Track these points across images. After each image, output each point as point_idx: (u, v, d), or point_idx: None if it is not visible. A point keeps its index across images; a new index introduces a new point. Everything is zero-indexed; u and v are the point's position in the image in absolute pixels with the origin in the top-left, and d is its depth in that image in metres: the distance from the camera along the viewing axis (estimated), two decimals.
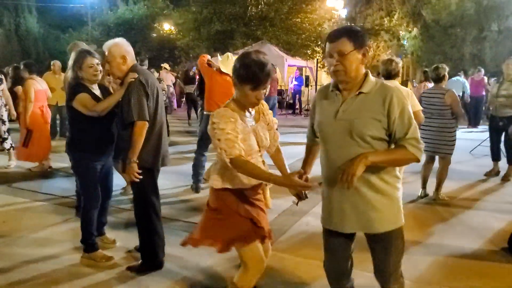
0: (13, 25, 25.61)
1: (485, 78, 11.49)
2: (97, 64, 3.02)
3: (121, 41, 2.92)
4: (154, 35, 22.09)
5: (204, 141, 4.97)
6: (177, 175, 5.54)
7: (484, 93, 11.16)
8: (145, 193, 2.94)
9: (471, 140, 8.56)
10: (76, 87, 3.00)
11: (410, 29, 20.53)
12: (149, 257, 3.00)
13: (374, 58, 21.53)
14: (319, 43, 17.39)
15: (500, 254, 3.36)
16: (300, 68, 16.06)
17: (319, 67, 17.31)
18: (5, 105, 6.16)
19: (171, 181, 5.28)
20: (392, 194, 1.91)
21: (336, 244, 2.04)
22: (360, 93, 1.84)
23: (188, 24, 17.87)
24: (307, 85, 13.86)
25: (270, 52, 13.79)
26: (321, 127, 1.95)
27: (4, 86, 6.29)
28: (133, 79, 2.79)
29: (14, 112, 6.42)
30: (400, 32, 20.79)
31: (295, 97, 14.47)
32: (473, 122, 11.44)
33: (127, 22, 21.52)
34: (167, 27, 23.04)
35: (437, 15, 17.06)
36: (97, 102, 2.98)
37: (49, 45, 23.90)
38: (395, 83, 3.83)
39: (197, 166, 5.01)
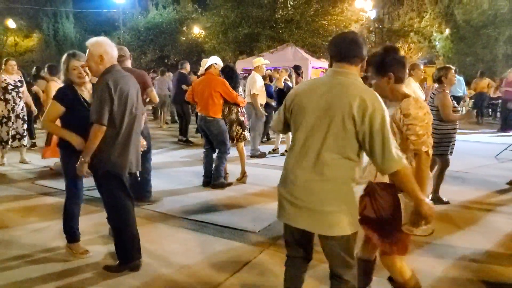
0: (52, 30, 26.97)
1: None
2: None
3: (103, 40, 2.92)
4: (183, 38, 22.59)
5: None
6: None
7: None
8: (114, 197, 2.98)
9: (498, 144, 8.27)
10: (60, 90, 3.15)
11: (441, 30, 20.00)
12: (124, 259, 3.04)
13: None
14: None
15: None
16: (326, 70, 15.92)
17: None
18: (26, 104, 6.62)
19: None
20: None
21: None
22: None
23: (215, 27, 18.14)
24: None
25: (295, 54, 13.84)
26: None
27: (25, 87, 6.71)
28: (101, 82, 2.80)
29: (34, 108, 6.98)
30: (433, 33, 20.28)
31: None
32: (504, 127, 10.97)
33: (157, 26, 22.13)
34: (196, 31, 23.53)
35: (468, 15, 16.57)
36: (80, 106, 3.07)
37: (84, 49, 24.53)
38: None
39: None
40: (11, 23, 26.18)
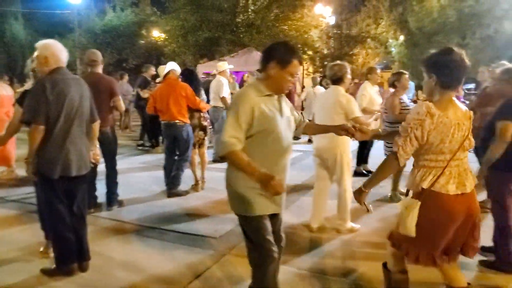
0: None
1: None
2: None
3: (51, 43, 3.00)
4: (142, 42, 22.05)
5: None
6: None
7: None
8: (46, 200, 2.98)
9: None
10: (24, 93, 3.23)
11: (396, 37, 20.83)
12: (57, 263, 3.02)
13: (363, 65, 21.75)
14: (306, 50, 17.49)
15: None
16: None
17: (306, 74, 17.48)
18: None
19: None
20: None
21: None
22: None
23: (175, 31, 17.85)
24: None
25: (255, 59, 13.88)
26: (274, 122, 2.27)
27: None
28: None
29: None
30: (389, 39, 21.07)
31: None
32: None
33: (115, 29, 21.46)
34: (155, 34, 23.05)
35: (420, 22, 17.36)
36: None
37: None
38: (338, 88, 3.89)
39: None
40: None
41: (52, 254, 3.18)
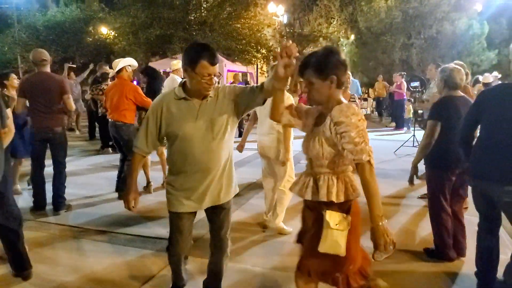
0: None
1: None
2: None
3: None
4: (90, 39, 21.05)
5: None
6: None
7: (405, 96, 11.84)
8: None
9: (395, 141, 9.08)
10: None
11: (347, 36, 21.50)
12: None
13: None
14: (259, 48, 17.58)
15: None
16: (245, 74, 16.11)
17: (260, 72, 17.57)
18: None
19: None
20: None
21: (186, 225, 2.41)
22: (208, 97, 2.23)
23: (125, 28, 17.23)
24: None
25: None
26: (187, 131, 2.23)
27: None
28: None
29: None
30: (340, 38, 21.69)
31: None
32: (397, 125, 12.13)
33: (59, 25, 20.29)
34: (104, 31, 22.11)
35: (369, 22, 17.98)
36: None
37: None
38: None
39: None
40: None
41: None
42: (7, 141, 2.95)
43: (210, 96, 2.22)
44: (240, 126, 7.92)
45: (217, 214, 2.43)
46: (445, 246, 3.31)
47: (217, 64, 2.15)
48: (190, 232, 2.47)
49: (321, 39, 21.83)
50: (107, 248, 3.54)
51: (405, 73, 12.72)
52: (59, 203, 4.45)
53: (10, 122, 3.01)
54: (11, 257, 2.94)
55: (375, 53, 17.53)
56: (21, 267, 2.95)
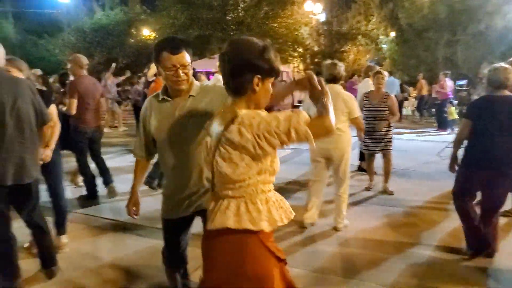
0: None
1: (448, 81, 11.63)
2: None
3: None
4: (132, 40, 21.87)
5: None
6: None
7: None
8: None
9: (438, 142, 8.73)
10: None
11: (387, 33, 20.90)
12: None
13: (354, 62, 21.81)
14: (296, 47, 17.49)
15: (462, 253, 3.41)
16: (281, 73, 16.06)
17: (296, 71, 17.50)
18: None
19: None
20: None
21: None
22: (190, 96, 2.06)
23: (165, 29, 17.75)
24: None
25: None
26: (157, 129, 2.12)
27: None
28: None
29: None
30: (380, 36, 21.14)
31: None
32: (440, 126, 11.60)
33: (104, 28, 21.25)
34: (145, 33, 22.88)
35: (411, 18, 17.38)
36: None
37: (27, 51, 23.42)
38: (337, 87, 3.87)
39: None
40: None
41: (35, 251, 3.23)
42: (54, 135, 3.16)
43: (192, 95, 2.04)
44: None
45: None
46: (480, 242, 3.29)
47: (183, 54, 1.93)
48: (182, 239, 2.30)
49: (359, 37, 21.37)
50: (147, 242, 3.65)
51: (449, 71, 12.18)
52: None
53: (55, 117, 3.23)
54: (38, 252, 3.07)
55: (417, 50, 16.93)
56: (46, 263, 3.04)
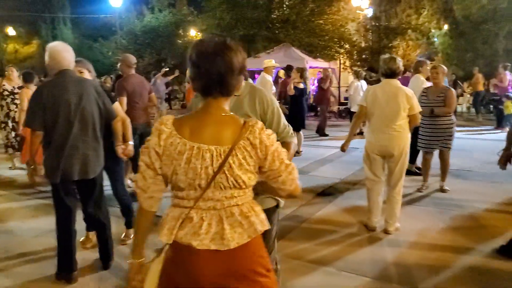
0: (50, 36, 26.97)
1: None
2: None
3: (50, 46, 2.85)
4: (180, 41, 22.52)
5: None
6: None
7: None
8: (54, 203, 2.95)
9: (496, 141, 8.16)
10: None
11: (440, 26, 19.88)
12: (57, 267, 2.97)
13: (404, 57, 20.98)
14: (342, 44, 17.12)
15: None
16: (326, 69, 15.86)
17: (342, 68, 17.10)
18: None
19: None
20: None
21: None
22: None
23: (211, 29, 18.08)
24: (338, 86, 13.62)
25: (291, 54, 13.78)
26: None
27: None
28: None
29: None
30: (431, 29, 20.17)
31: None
32: (498, 125, 10.81)
33: (154, 30, 22.05)
34: (192, 33, 23.47)
35: (467, 10, 16.46)
36: None
37: (83, 54, 24.71)
38: (396, 82, 3.72)
39: None
40: (10, 31, 26.23)
41: (88, 245, 3.45)
42: (127, 130, 3.34)
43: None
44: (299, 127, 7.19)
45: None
46: None
47: None
48: None
49: (409, 31, 20.47)
50: None
51: (509, 64, 11.36)
52: None
53: (122, 113, 3.41)
54: (98, 246, 3.19)
55: (473, 44, 15.98)
56: (103, 257, 3.16)
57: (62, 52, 2.81)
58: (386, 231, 3.80)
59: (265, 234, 1.75)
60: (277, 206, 2.11)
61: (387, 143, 3.67)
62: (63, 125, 2.75)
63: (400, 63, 3.72)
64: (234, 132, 1.37)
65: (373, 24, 20.49)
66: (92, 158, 2.90)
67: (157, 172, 1.40)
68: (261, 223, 1.44)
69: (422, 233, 3.79)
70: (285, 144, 1.95)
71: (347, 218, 4.19)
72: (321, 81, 10.42)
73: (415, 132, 4.73)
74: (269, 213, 1.93)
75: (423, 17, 20.31)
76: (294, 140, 2.12)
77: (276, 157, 1.40)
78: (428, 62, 6.36)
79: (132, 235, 3.58)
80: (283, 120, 2.07)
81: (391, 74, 3.70)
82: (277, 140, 1.47)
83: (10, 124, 6.42)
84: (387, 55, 3.85)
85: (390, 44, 20.02)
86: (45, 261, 3.31)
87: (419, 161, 5.51)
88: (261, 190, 1.53)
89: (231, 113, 1.44)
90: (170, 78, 12.43)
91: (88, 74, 3.30)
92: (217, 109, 1.41)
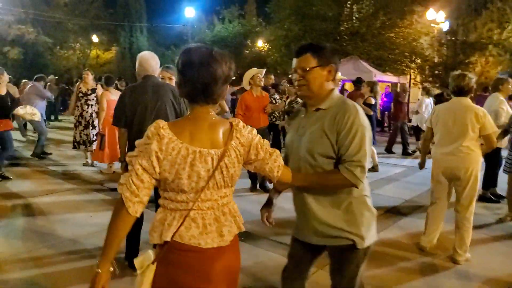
0: (128, 44, 29.10)
1: None
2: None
3: (140, 55, 3.30)
4: (247, 51, 23.06)
5: None
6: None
7: None
8: None
9: None
10: None
11: None
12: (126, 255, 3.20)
13: (482, 74, 19.57)
14: (414, 58, 16.37)
15: None
16: (395, 84, 15.28)
17: (413, 83, 16.34)
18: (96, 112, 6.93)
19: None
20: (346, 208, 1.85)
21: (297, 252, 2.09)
22: (318, 109, 1.86)
23: (278, 40, 18.27)
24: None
25: (359, 67, 13.45)
26: (287, 142, 2.04)
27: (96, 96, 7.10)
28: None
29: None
30: None
31: (384, 114, 13.74)
32: None
33: (223, 40, 22.86)
34: (259, 44, 23.92)
35: None
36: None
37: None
38: (465, 100, 3.46)
39: None
40: (94, 38, 28.72)
41: None
42: None
43: (321, 108, 1.86)
44: None
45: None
46: None
47: (304, 57, 1.84)
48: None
49: (490, 46, 19.08)
50: (251, 250, 3.70)
51: None
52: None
53: None
54: (126, 243, 3.24)
55: None
56: (130, 255, 3.19)
57: (149, 60, 3.24)
58: (454, 261, 3.51)
59: (341, 272, 1.93)
60: (354, 245, 1.84)
61: (453, 165, 3.44)
62: (138, 124, 3.07)
63: (471, 80, 3.46)
64: (225, 134, 1.49)
65: (449, 38, 19.41)
66: None
67: (153, 177, 1.41)
68: (241, 222, 1.59)
69: (497, 268, 3.44)
70: (334, 172, 1.78)
71: (410, 241, 3.93)
72: (398, 94, 9.92)
73: (492, 155, 4.35)
74: (343, 252, 1.88)
75: (508, 32, 18.82)
76: (356, 172, 1.74)
77: (260, 148, 1.55)
78: (511, 80, 5.83)
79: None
80: (358, 148, 1.73)
81: (459, 91, 3.48)
82: (339, 164, 1.74)
83: (83, 123, 6.93)
84: (457, 72, 3.61)
85: (467, 60, 18.80)
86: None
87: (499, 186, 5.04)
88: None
89: (218, 117, 1.53)
90: (236, 88, 12.70)
91: (171, 80, 3.68)
92: (206, 114, 1.49)
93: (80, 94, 6.97)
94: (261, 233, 4.10)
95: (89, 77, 7.11)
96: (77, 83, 7.56)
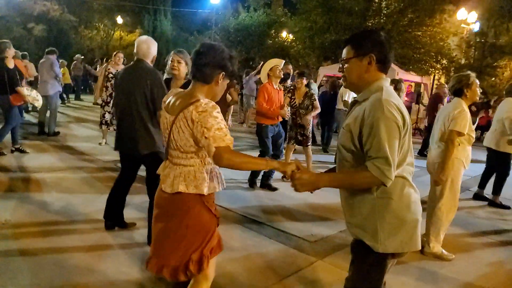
0: (151, 27, 29.18)
1: None
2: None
3: (138, 39, 3.40)
4: (270, 41, 22.91)
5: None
6: None
7: None
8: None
9: None
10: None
11: None
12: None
13: (509, 80, 18.99)
14: (439, 58, 15.98)
15: None
16: (418, 84, 14.98)
17: (436, 84, 15.96)
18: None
19: None
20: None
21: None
22: (356, 101, 1.84)
23: (303, 32, 18.06)
24: (417, 102, 12.79)
25: None
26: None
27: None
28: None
29: None
30: None
31: None
32: None
33: (246, 28, 22.73)
34: (283, 34, 23.74)
35: None
36: None
37: (178, 46, 26.38)
38: (459, 100, 3.45)
39: None
40: (119, 19, 28.92)
41: None
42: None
43: (357, 100, 1.84)
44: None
45: None
46: None
47: (346, 49, 1.81)
48: None
49: None
50: (254, 236, 3.77)
51: None
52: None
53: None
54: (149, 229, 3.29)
55: None
56: (111, 216, 3.56)
57: (141, 44, 3.27)
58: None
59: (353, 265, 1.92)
60: (368, 248, 1.76)
61: (428, 160, 3.67)
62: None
63: (467, 80, 3.52)
64: (182, 105, 1.83)
65: (478, 40, 18.86)
66: (137, 138, 3.25)
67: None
68: (197, 187, 1.88)
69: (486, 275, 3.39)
70: (362, 170, 1.68)
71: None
72: (439, 96, 9.63)
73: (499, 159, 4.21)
74: (359, 246, 1.82)
75: None
76: (383, 169, 1.62)
77: (201, 132, 1.74)
78: None
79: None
80: (378, 144, 1.62)
81: (456, 91, 3.55)
82: (366, 161, 1.67)
83: (111, 103, 7.05)
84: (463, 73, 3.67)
85: (495, 64, 18.25)
86: (130, 231, 3.60)
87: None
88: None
89: (200, 96, 1.85)
90: (258, 76, 12.60)
91: (184, 65, 3.48)
92: (192, 88, 1.91)
93: (110, 75, 7.07)
94: (265, 220, 4.16)
95: (121, 59, 7.20)
96: (104, 65, 7.62)
